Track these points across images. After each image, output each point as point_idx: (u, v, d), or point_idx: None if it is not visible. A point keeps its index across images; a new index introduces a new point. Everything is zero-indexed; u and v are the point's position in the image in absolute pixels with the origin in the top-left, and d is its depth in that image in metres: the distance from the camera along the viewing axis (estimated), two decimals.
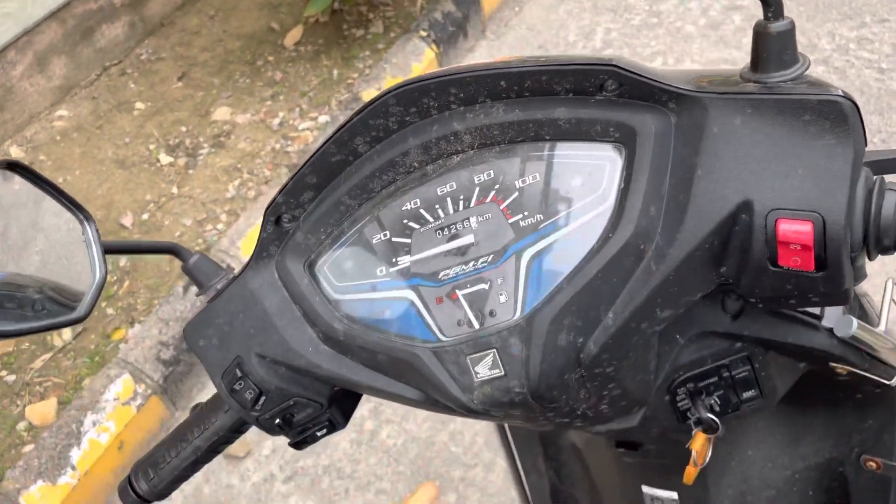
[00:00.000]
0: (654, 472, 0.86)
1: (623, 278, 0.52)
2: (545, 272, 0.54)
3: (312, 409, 0.67)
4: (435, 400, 0.61)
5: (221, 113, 2.98)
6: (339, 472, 1.97)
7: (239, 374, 0.65)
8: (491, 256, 0.56)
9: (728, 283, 0.54)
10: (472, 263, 0.57)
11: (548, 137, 0.54)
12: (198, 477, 2.05)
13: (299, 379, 0.66)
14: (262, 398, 0.66)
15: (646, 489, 0.91)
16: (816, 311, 0.66)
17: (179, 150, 2.86)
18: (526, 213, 0.55)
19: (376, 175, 0.59)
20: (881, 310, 0.71)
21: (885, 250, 0.52)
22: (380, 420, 2.06)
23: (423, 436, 1.99)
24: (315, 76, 3.05)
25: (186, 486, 2.02)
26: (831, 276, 0.50)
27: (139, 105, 3.11)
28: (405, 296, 0.59)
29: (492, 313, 0.56)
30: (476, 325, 0.56)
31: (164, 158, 2.85)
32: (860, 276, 0.53)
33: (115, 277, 2.38)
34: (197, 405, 0.77)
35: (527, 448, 1.19)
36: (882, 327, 0.67)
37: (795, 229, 0.48)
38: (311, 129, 2.82)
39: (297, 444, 0.70)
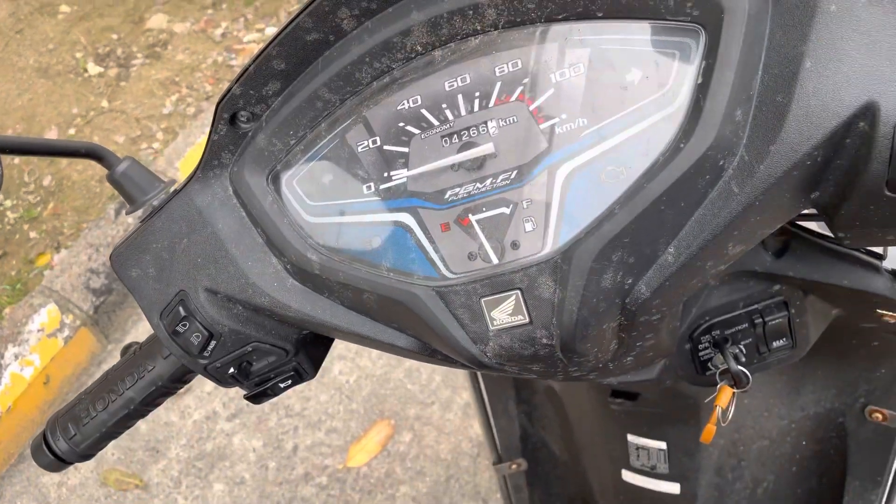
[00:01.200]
0: (643, 420, 0.80)
1: (694, 203, 0.41)
2: (588, 194, 0.42)
3: (275, 357, 0.54)
4: (434, 350, 0.49)
5: (157, 20, 2.71)
6: (288, 410, 1.86)
7: (183, 312, 0.52)
8: (515, 172, 0.44)
9: (816, 208, 0.43)
10: (489, 181, 0.45)
11: (600, 14, 0.41)
12: None
13: (260, 320, 0.53)
14: (213, 343, 0.53)
15: (631, 438, 0.85)
16: (879, 249, 0.57)
17: (110, 59, 2.60)
18: (564, 117, 0.43)
19: (365, 61, 0.45)
20: None
21: None
22: (331, 356, 1.95)
23: (378, 373, 1.89)
24: None
25: None
26: None
27: (64, 8, 2.81)
28: (400, 220, 0.47)
29: (514, 245, 0.44)
30: (494, 260, 0.44)
31: (93, 68, 2.59)
32: None
33: (37, 198, 2.16)
34: (130, 346, 0.63)
35: (498, 390, 1.12)
36: None
37: None
38: (256, 42, 2.59)
39: (255, 397, 0.58)
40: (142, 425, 1.89)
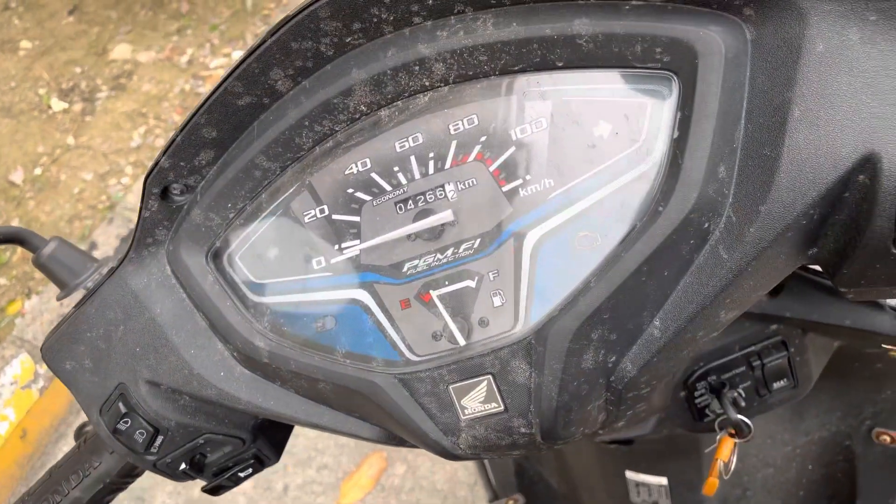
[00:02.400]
0: (642, 457, 0.76)
1: (678, 271, 0.36)
2: (561, 264, 0.37)
3: (231, 447, 0.49)
4: (402, 439, 0.44)
5: (121, 51, 2.65)
6: None
7: (123, 408, 0.47)
8: (478, 241, 0.39)
9: (816, 268, 0.39)
10: (450, 251, 0.40)
11: (560, 64, 0.37)
12: None
13: (210, 409, 0.47)
14: (159, 438, 0.47)
15: (630, 474, 0.81)
16: None
17: (74, 94, 2.54)
18: (528, 178, 0.38)
19: (305, 125, 0.41)
20: None
21: None
22: None
23: None
24: (226, 6, 2.74)
25: None
26: None
27: (25, 44, 2.74)
28: (355, 297, 0.42)
29: (482, 322, 0.39)
30: (461, 341, 0.39)
31: (57, 104, 2.53)
32: None
33: None
34: (83, 427, 0.58)
35: None
36: None
37: None
38: (224, 67, 2.53)
39: (214, 490, 0.52)
40: None
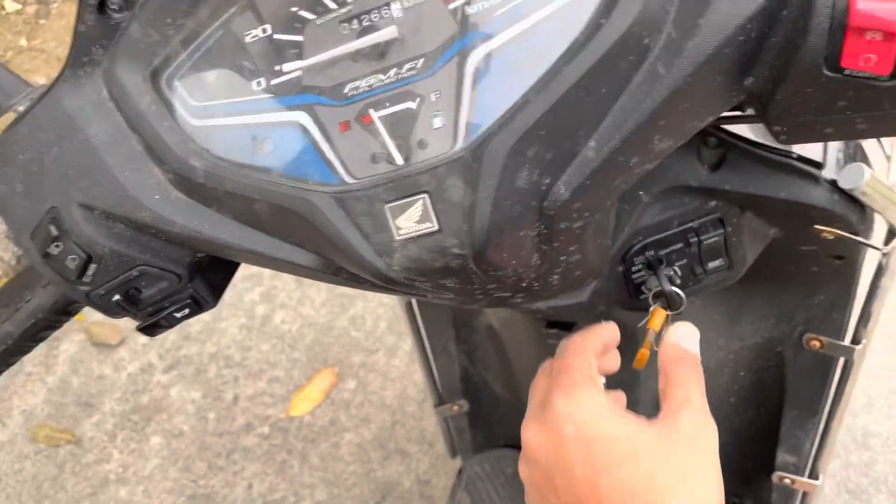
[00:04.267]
0: None
1: (616, 88, 0.36)
2: (502, 83, 0.37)
3: (167, 283, 0.49)
4: (338, 268, 0.44)
5: None
6: (228, 360, 1.80)
7: (55, 231, 0.46)
8: (422, 61, 0.39)
9: (749, 100, 0.39)
10: (393, 71, 0.39)
11: None
12: (64, 367, 1.83)
13: (145, 241, 0.47)
14: (92, 266, 0.47)
15: None
16: (818, 157, 0.54)
17: None
18: None
19: None
20: (891, 158, 0.60)
21: None
22: (273, 304, 1.89)
23: (321, 321, 1.84)
24: None
25: (50, 378, 1.81)
26: None
27: None
28: (294, 119, 0.41)
29: (421, 144, 0.39)
30: (399, 161, 0.39)
31: (10, 5, 2.42)
32: None
33: None
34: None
35: (437, 330, 1.09)
36: (893, 179, 0.56)
37: (884, 8, 0.32)
38: None
39: (148, 329, 0.52)
40: (73, 379, 1.81)
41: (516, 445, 1.20)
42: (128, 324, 1.88)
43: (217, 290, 0.52)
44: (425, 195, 0.38)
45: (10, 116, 0.49)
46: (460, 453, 1.22)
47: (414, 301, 1.03)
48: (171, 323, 0.52)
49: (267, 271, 1.94)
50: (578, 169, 0.38)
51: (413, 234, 0.39)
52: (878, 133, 0.40)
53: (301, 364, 1.78)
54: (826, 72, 0.34)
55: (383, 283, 0.41)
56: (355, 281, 0.45)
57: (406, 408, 1.68)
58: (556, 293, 0.53)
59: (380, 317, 1.83)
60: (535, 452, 0.45)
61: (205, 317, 1.84)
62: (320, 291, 1.89)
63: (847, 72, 0.34)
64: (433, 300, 0.49)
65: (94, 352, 1.85)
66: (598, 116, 0.36)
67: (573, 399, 0.45)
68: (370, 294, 1.86)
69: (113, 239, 0.46)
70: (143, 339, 1.86)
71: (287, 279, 1.92)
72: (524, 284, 0.47)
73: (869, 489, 1.48)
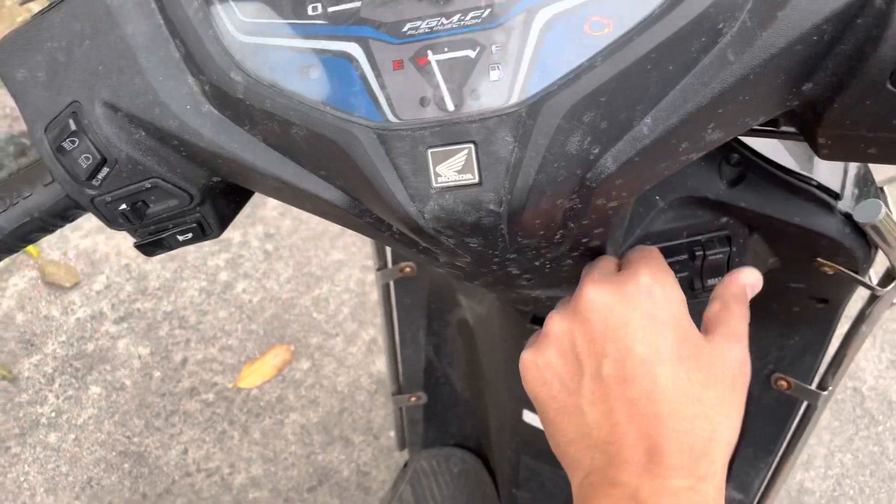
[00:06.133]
0: None
1: (683, 67, 0.36)
2: (568, 45, 0.37)
3: (177, 201, 0.47)
4: (363, 210, 0.43)
5: None
6: (182, 321, 1.76)
7: (73, 126, 0.44)
8: (488, 11, 0.38)
9: (799, 109, 0.40)
10: (457, 17, 0.39)
11: None
12: (11, 302, 1.77)
13: (164, 153, 0.45)
14: (105, 170, 0.45)
15: None
16: (836, 188, 0.55)
17: None
18: None
19: None
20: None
21: None
22: (237, 273, 1.85)
23: (284, 297, 1.81)
24: None
25: None
26: None
27: None
28: (346, 51, 0.40)
29: (474, 94, 0.38)
30: (450, 107, 0.38)
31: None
32: None
33: None
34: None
35: (410, 318, 1.08)
36: None
37: None
38: None
39: (146, 247, 0.50)
40: (18, 315, 1.75)
41: (467, 446, 1.20)
42: (84, 268, 1.82)
43: (224, 220, 0.51)
44: (472, 145, 0.38)
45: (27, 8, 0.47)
46: (409, 446, 1.21)
47: (392, 284, 1.02)
48: (172, 245, 0.50)
49: (236, 238, 1.91)
50: (629, 143, 0.37)
51: (451, 184, 0.38)
52: None
53: (257, 337, 1.74)
54: (889, 86, 0.35)
55: (409, 230, 0.41)
56: (376, 227, 0.44)
57: (356, 396, 1.66)
58: (559, 282, 0.53)
59: (344, 302, 1.81)
60: (598, 311, 0.44)
61: (165, 273, 1.80)
62: (287, 267, 1.86)
63: None
64: (440, 265, 0.48)
65: (44, 291, 1.79)
66: (660, 93, 0.36)
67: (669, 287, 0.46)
68: (337, 278, 1.84)
69: (132, 145, 0.44)
70: (96, 286, 1.81)
71: (255, 250, 1.89)
72: (538, 263, 0.47)
73: None
